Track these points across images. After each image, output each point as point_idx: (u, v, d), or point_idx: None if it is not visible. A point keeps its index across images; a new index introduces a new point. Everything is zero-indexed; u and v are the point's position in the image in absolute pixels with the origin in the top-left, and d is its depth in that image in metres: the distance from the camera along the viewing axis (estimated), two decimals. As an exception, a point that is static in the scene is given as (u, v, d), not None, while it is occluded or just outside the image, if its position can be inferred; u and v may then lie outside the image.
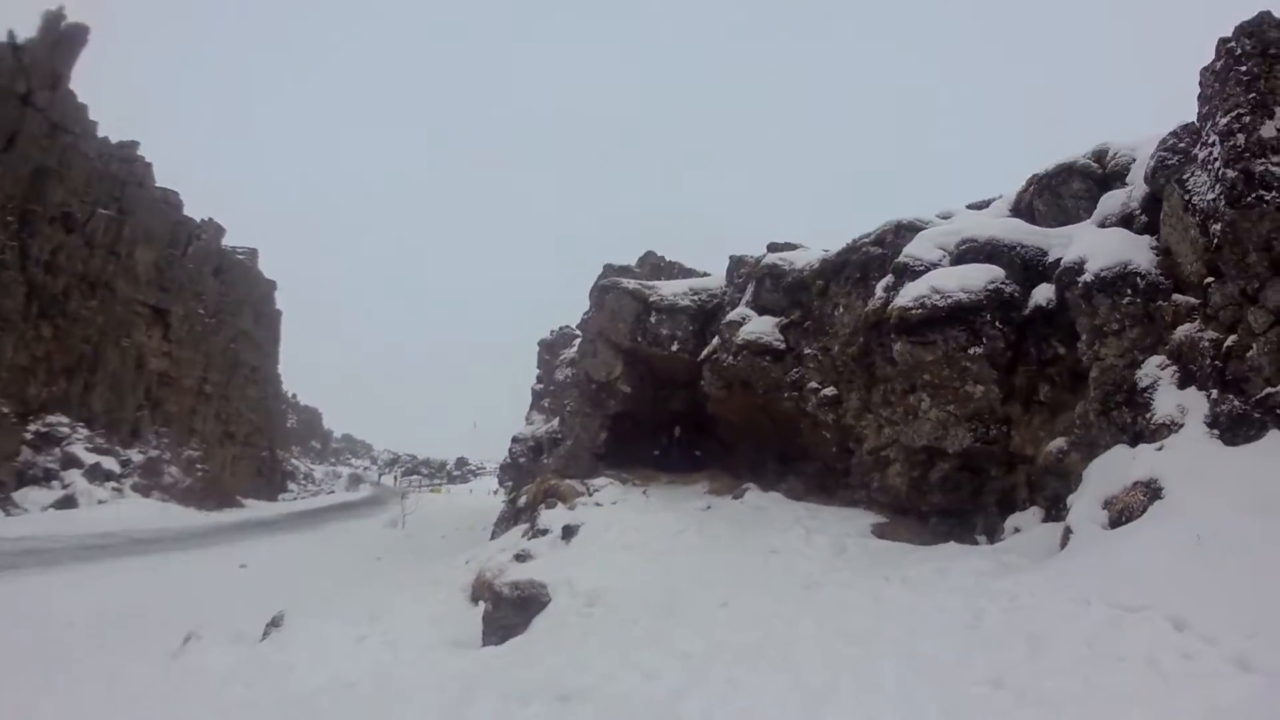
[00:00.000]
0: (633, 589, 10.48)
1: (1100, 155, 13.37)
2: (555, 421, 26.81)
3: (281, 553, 22.42)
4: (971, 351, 11.67)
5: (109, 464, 32.04)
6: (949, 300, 11.75)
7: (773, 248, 18.62)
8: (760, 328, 16.37)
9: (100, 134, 36.57)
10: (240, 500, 41.54)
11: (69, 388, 32.51)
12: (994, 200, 15.51)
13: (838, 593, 8.77)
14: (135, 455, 34.88)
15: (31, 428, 29.92)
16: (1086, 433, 10.05)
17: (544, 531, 14.98)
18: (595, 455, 21.06)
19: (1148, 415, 9.06)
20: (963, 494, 12.43)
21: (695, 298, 19.79)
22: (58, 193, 31.50)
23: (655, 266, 27.62)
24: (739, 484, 17.95)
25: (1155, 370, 9.36)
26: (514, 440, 26.85)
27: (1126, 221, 11.10)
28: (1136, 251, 10.25)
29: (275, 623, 10.92)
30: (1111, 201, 11.68)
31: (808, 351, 15.49)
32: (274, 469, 57.38)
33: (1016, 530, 10.79)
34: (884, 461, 13.60)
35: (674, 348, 19.49)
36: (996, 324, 11.63)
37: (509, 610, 10.75)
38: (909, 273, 12.95)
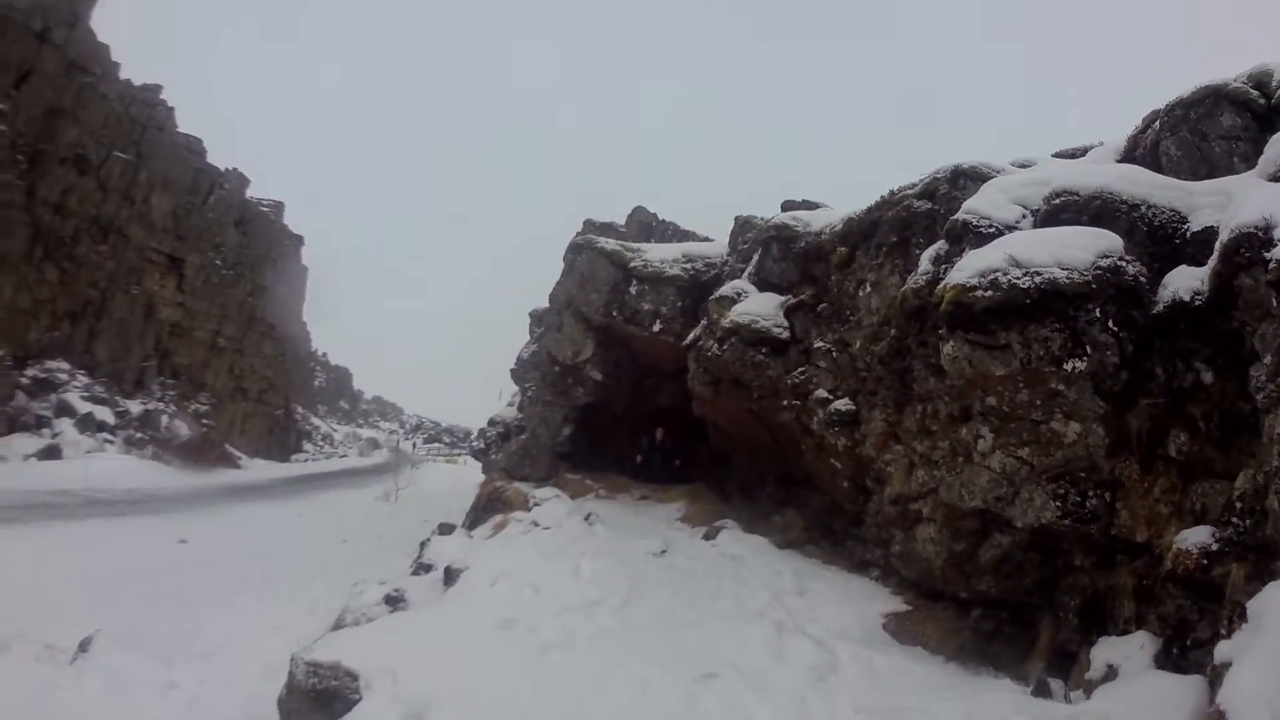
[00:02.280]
0: (476, 709, 6.29)
1: (1262, 80, 8.78)
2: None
3: (240, 527, 19.94)
4: (1069, 367, 7.13)
5: (103, 414, 30.86)
6: (1038, 280, 7.22)
7: (788, 207, 14.08)
8: (758, 308, 11.91)
9: (123, 76, 35.53)
10: (237, 460, 39.24)
11: (73, 333, 31.80)
12: (1091, 148, 10.91)
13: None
14: (135, 406, 33.72)
15: (30, 372, 29.16)
16: (1257, 527, 5.52)
17: (428, 567, 10.89)
18: (557, 454, 16.83)
19: None
20: (1026, 582, 8.04)
21: (688, 266, 15.39)
22: (71, 133, 30.73)
23: (644, 226, 22.87)
24: (723, 509, 13.71)
25: None
26: (490, 423, 22.64)
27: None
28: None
29: (83, 647, 8.71)
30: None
31: (819, 345, 11.03)
32: (288, 428, 55.56)
33: (1110, 669, 6.27)
34: (912, 518, 9.23)
35: (655, 328, 15.15)
36: (1110, 324, 7.11)
37: (305, 705, 7.02)
38: (972, 236, 8.54)
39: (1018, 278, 7.36)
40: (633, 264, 15.67)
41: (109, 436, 30.31)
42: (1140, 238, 7.60)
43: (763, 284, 12.56)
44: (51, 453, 26.64)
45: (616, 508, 14.44)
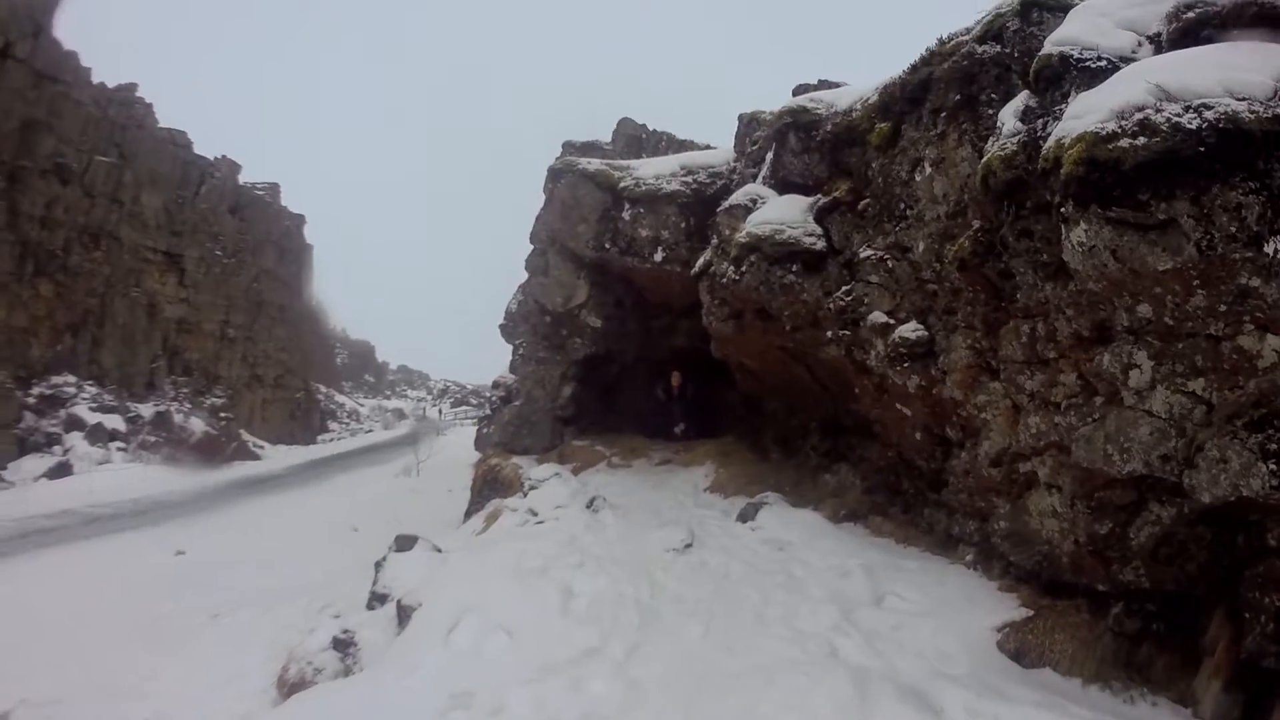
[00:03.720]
0: None
1: None
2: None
3: (244, 528, 18.30)
4: (1271, 249, 4.36)
5: (113, 422, 29.77)
6: (1210, 117, 4.43)
7: (800, 91, 11.12)
8: (780, 214, 9.10)
9: (96, 80, 34.44)
10: (256, 450, 38.02)
11: (75, 345, 30.95)
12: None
13: None
14: (147, 410, 32.62)
15: (35, 391, 28.22)
16: None
17: (383, 598, 8.35)
18: (559, 419, 14.24)
19: None
20: (1190, 568, 5.49)
21: (689, 180, 12.59)
22: (48, 144, 29.76)
23: (633, 140, 19.40)
24: (760, 469, 11.17)
25: None
26: (493, 386, 20.03)
27: None
28: None
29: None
30: None
31: (867, 254, 8.21)
32: (310, 410, 53.83)
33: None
34: (1022, 483, 6.56)
35: (658, 257, 12.42)
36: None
37: None
38: (1076, 74, 5.84)
39: (1177, 115, 4.57)
40: (623, 184, 12.90)
41: (122, 445, 29.30)
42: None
43: (783, 185, 9.75)
44: (61, 470, 25.59)
45: (630, 480, 11.90)
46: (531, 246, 14.47)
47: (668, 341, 14.44)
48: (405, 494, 22.89)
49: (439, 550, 9.15)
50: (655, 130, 19.36)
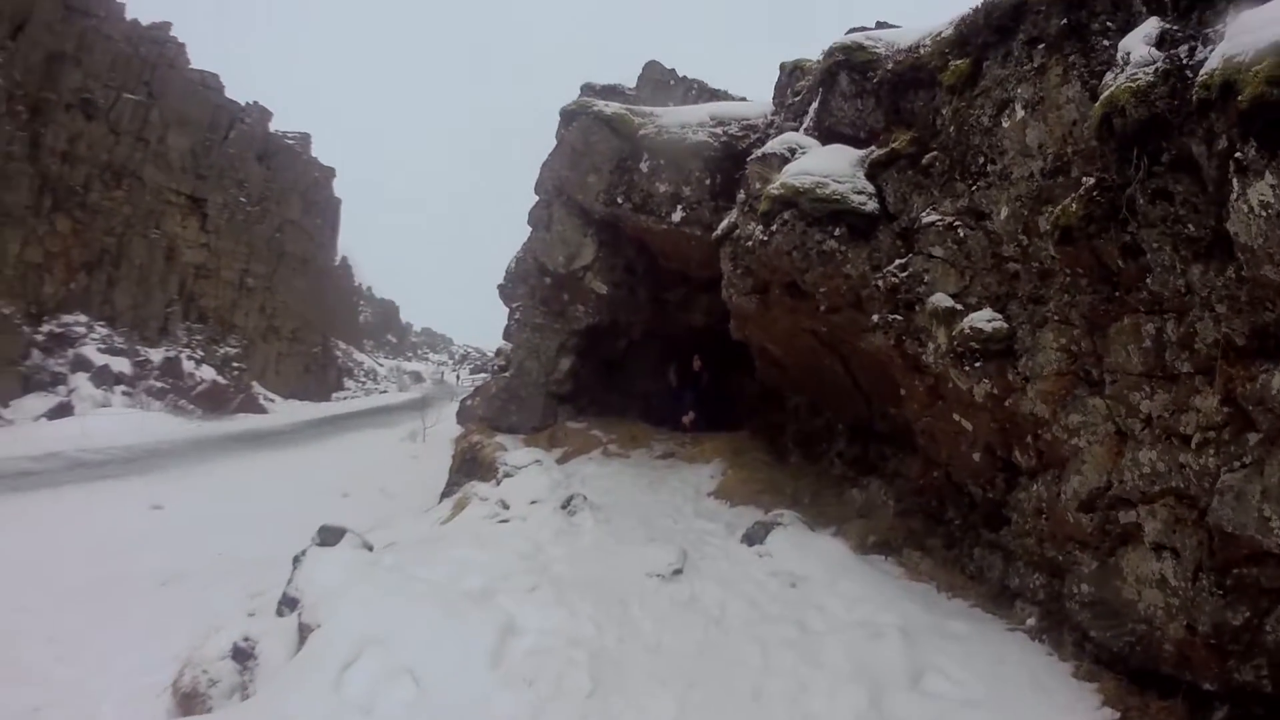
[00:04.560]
0: None
1: None
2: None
3: (231, 485, 17.50)
4: None
5: (120, 365, 29.28)
6: None
7: (855, 32, 9.28)
8: (824, 164, 7.33)
9: (129, 17, 33.87)
10: (264, 404, 37.45)
11: (90, 284, 30.49)
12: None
13: None
14: (157, 355, 32.29)
15: (45, 328, 27.72)
16: None
17: (292, 603, 6.74)
18: (552, 395, 12.61)
19: None
20: None
21: (719, 131, 10.85)
22: (74, 77, 29.35)
23: (659, 86, 17.35)
24: (774, 475, 9.53)
25: None
26: (496, 353, 18.48)
27: None
28: None
29: None
30: None
31: (931, 219, 6.43)
32: (327, 366, 53.14)
33: None
34: (1118, 536, 4.88)
35: (676, 216, 10.71)
36: None
37: None
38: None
39: None
40: (643, 131, 11.18)
41: (127, 389, 28.89)
42: None
43: (828, 135, 7.98)
44: (62, 410, 25.02)
45: (624, 475, 10.26)
46: (536, 198, 12.76)
47: (683, 317, 12.76)
48: (404, 460, 21.83)
49: (369, 549, 7.55)
50: (685, 77, 17.39)
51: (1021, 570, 6.06)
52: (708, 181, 10.56)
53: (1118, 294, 4.79)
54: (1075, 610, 5.21)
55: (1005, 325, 5.59)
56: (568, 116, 11.96)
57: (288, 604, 6.81)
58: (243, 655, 6.47)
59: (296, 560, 7.26)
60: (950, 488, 7.20)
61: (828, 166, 7.16)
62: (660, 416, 12.68)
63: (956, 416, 6.32)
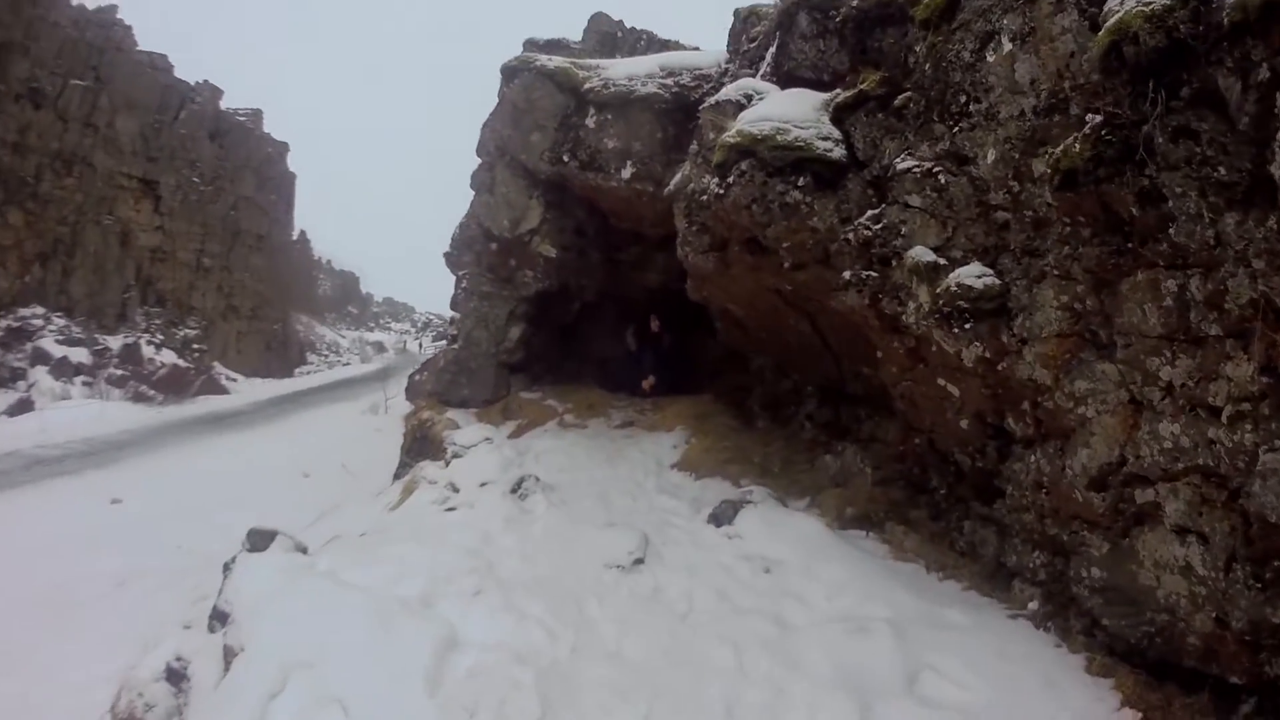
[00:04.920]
0: None
1: None
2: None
3: (190, 471, 17.07)
4: None
5: (79, 356, 28.94)
6: None
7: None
8: (785, 109, 6.68)
9: (75, 2, 33.74)
10: (225, 385, 36.62)
11: (45, 275, 30.40)
12: None
13: None
14: (116, 342, 31.79)
15: (2, 324, 27.51)
16: None
17: (223, 618, 6.17)
18: (503, 365, 11.94)
19: None
20: None
21: (669, 82, 10.17)
22: (22, 67, 29.17)
23: (607, 38, 16.43)
24: (741, 440, 9.03)
25: None
26: (449, 321, 17.71)
27: None
28: None
29: None
30: None
31: (905, 166, 5.81)
32: (288, 342, 52.89)
33: None
34: (1133, 516, 4.36)
35: (626, 173, 10.04)
36: None
37: None
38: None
39: None
40: (588, 85, 10.44)
41: (88, 379, 28.41)
42: None
43: (787, 80, 7.33)
44: (23, 406, 24.50)
45: (580, 448, 9.67)
46: (479, 160, 11.98)
47: (638, 278, 12.14)
48: (367, 434, 21.33)
49: (303, 551, 6.91)
50: (634, 28, 16.41)
51: (1019, 548, 5.56)
52: (659, 135, 9.88)
53: (1130, 245, 4.22)
54: (1084, 596, 4.72)
55: (997, 281, 5.02)
56: (509, 73, 11.18)
57: (218, 618, 6.24)
58: (176, 677, 6.14)
59: (227, 568, 6.64)
60: (934, 455, 6.69)
61: (789, 112, 6.51)
62: (619, 382, 12.08)
63: (941, 381, 5.76)
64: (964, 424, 5.85)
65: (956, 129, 5.44)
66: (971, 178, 5.32)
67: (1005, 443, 5.62)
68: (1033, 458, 5.21)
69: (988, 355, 5.10)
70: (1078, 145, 4.33)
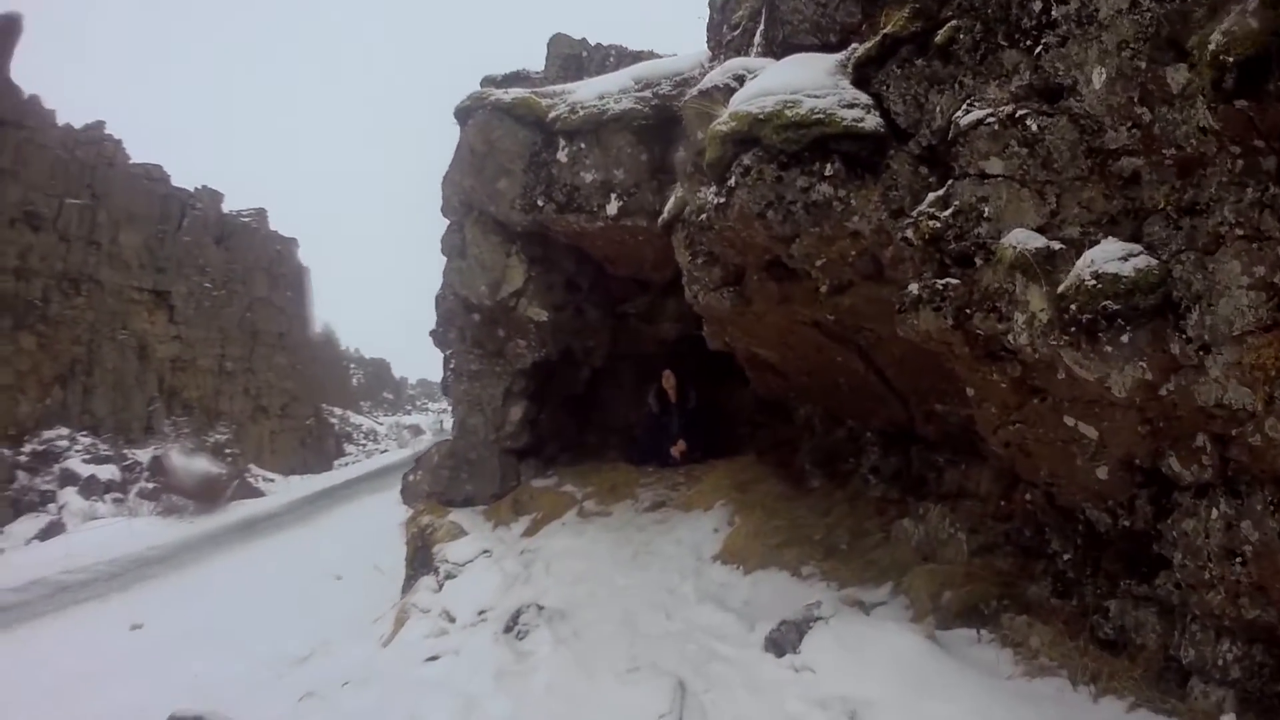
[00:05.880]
0: None
1: None
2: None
3: (217, 586, 16.33)
4: None
5: (107, 473, 28.93)
6: None
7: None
8: (790, 79, 5.03)
9: (61, 122, 33.89)
10: (262, 486, 35.98)
11: (66, 397, 30.42)
12: None
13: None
14: (145, 455, 31.71)
15: (27, 448, 27.51)
16: None
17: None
18: (507, 452, 10.30)
19: None
20: None
21: (646, 95, 8.69)
22: (15, 193, 29.17)
23: (570, 60, 14.63)
24: (794, 508, 7.42)
25: None
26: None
27: None
28: None
29: None
30: None
31: (971, 119, 4.13)
32: (323, 435, 53.27)
33: None
34: None
35: (612, 209, 8.48)
36: None
37: None
38: None
39: None
40: (555, 112, 8.94)
41: (118, 495, 28.51)
42: None
43: (785, 49, 5.69)
44: (53, 529, 24.28)
45: (600, 546, 7.98)
46: (446, 222, 10.48)
47: (651, 332, 10.53)
48: (399, 527, 20.00)
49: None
50: (600, 44, 14.71)
51: (1197, 636, 3.78)
52: (643, 158, 8.33)
53: None
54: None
55: (1154, 261, 3.27)
56: (463, 115, 9.71)
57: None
58: None
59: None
60: (1053, 512, 4.92)
61: (795, 80, 4.86)
62: (645, 452, 10.44)
63: (1070, 420, 4.00)
64: (1102, 473, 4.08)
65: (1038, 50, 3.75)
66: (1073, 116, 3.62)
67: (1163, 492, 3.87)
68: (1213, 512, 3.45)
69: (1150, 378, 3.34)
70: (1252, 19, 2.63)
